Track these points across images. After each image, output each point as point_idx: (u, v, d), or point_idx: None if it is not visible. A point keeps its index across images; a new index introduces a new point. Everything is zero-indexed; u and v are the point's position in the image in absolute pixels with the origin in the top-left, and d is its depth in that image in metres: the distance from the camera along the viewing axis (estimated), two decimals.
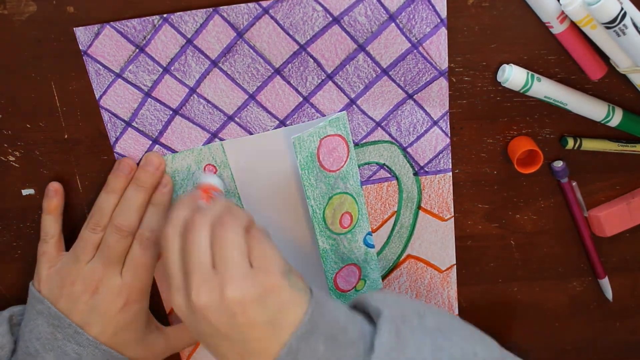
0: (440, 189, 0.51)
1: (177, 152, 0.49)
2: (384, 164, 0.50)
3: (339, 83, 0.47)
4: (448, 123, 0.49)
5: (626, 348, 0.59)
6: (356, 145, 0.49)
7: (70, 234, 0.52)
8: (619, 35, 0.41)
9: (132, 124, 0.47)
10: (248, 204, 0.50)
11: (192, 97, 0.47)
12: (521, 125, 0.49)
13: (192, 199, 0.43)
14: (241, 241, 0.40)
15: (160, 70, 0.45)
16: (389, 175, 0.51)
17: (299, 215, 0.51)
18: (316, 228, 0.49)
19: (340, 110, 0.48)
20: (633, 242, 0.54)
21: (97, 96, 0.46)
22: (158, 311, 0.56)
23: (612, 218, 0.51)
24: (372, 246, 0.52)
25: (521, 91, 0.45)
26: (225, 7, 0.43)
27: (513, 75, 0.45)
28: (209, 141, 0.48)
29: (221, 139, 0.48)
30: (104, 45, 0.44)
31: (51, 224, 0.48)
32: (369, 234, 0.52)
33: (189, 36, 0.44)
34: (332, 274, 0.51)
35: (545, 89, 0.45)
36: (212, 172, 0.48)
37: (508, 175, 0.51)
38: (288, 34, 0.45)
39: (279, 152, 0.49)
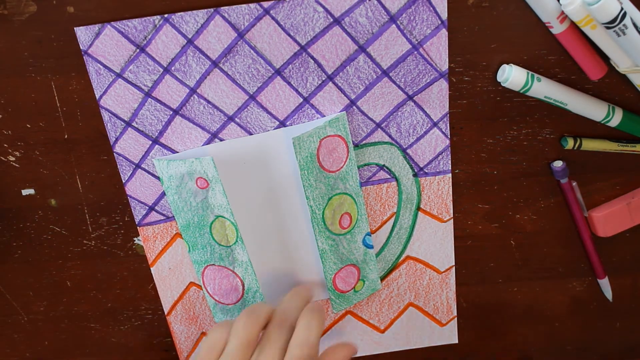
0: (439, 190, 0.51)
1: (176, 152, 0.49)
2: (384, 165, 0.50)
3: (340, 84, 0.47)
4: (448, 124, 0.49)
5: (626, 348, 0.59)
6: (356, 146, 0.49)
7: (70, 234, 0.52)
8: (619, 35, 0.41)
9: (132, 124, 0.47)
10: (246, 206, 0.50)
11: (192, 98, 0.47)
12: (521, 125, 0.49)
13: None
14: None
15: (161, 70, 0.45)
16: (389, 177, 0.51)
17: (298, 216, 0.51)
18: (315, 229, 0.49)
19: (341, 112, 0.48)
20: (633, 242, 0.54)
21: (97, 96, 0.46)
22: (157, 311, 0.56)
23: (612, 218, 0.51)
24: (371, 247, 0.52)
25: (521, 91, 0.46)
26: (226, 7, 0.43)
27: (513, 75, 0.45)
28: (209, 141, 0.48)
29: (221, 139, 0.48)
30: (104, 45, 0.44)
31: None
32: (368, 234, 0.52)
33: (189, 36, 0.44)
34: (331, 275, 0.51)
35: (545, 89, 0.45)
36: (204, 186, 0.48)
37: (508, 175, 0.51)
38: (289, 34, 0.45)
39: (277, 153, 0.49)
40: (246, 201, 0.50)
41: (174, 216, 0.51)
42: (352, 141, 0.49)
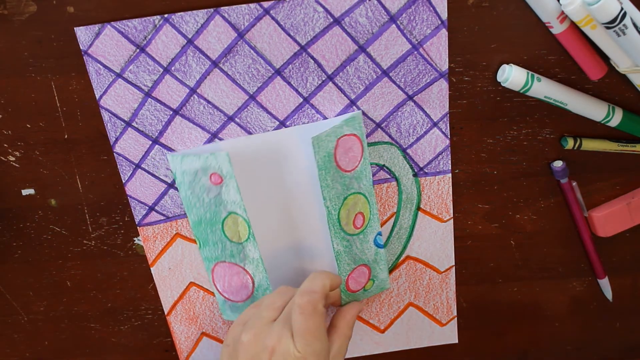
0: (439, 190, 0.51)
1: (187, 151, 0.49)
2: (384, 165, 0.50)
3: (340, 84, 0.47)
4: (448, 124, 0.49)
5: (626, 348, 0.59)
6: None
7: (69, 234, 0.52)
8: (619, 35, 0.41)
9: (132, 124, 0.47)
10: (258, 203, 0.50)
11: (192, 98, 0.47)
12: (521, 125, 0.49)
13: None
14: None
15: (161, 70, 0.45)
16: (389, 177, 0.51)
17: (311, 215, 0.51)
18: (331, 230, 0.48)
19: (340, 112, 0.48)
20: (633, 242, 0.54)
21: (97, 96, 0.46)
22: (157, 311, 0.56)
23: (612, 218, 0.51)
24: (382, 246, 0.52)
25: (521, 91, 0.46)
26: (226, 7, 0.43)
27: (513, 75, 0.45)
28: (208, 142, 0.48)
29: (221, 140, 0.48)
30: (104, 45, 0.44)
31: None
32: (379, 233, 0.52)
33: (189, 36, 0.44)
34: (344, 276, 0.51)
35: (545, 89, 0.45)
36: (218, 182, 0.48)
37: (508, 175, 0.51)
38: (289, 34, 0.45)
39: (292, 151, 0.49)
40: (259, 198, 0.50)
41: (185, 213, 0.51)
42: None
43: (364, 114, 0.48)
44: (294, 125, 0.48)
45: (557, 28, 0.43)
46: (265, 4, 0.43)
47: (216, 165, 0.47)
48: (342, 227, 0.49)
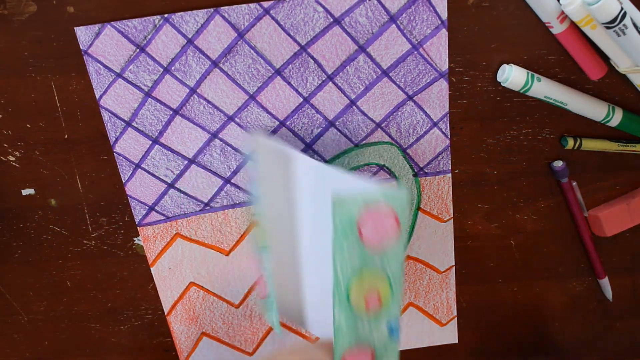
0: (439, 190, 0.51)
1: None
2: (384, 165, 0.50)
3: (340, 84, 0.47)
4: (448, 124, 0.49)
5: (626, 348, 0.59)
6: (355, 146, 0.49)
7: (69, 234, 0.52)
8: (619, 35, 0.41)
9: (132, 124, 0.47)
10: (279, 222, 0.47)
11: (192, 98, 0.47)
12: (521, 125, 0.49)
13: None
14: None
15: (161, 70, 0.45)
16: (389, 177, 0.51)
17: (325, 266, 0.44)
18: (335, 299, 0.41)
19: (340, 111, 0.48)
20: (633, 242, 0.54)
21: (97, 96, 0.46)
22: (157, 311, 0.56)
23: (612, 218, 0.51)
24: (397, 332, 0.43)
25: (521, 91, 0.46)
26: (226, 7, 0.43)
27: (513, 75, 0.45)
28: (209, 141, 0.48)
29: (221, 140, 0.48)
30: (104, 45, 0.44)
31: None
32: (396, 318, 0.43)
33: (189, 36, 0.44)
34: (341, 352, 0.42)
35: (545, 89, 0.45)
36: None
37: (508, 175, 0.51)
38: (289, 34, 0.45)
39: (318, 189, 0.44)
40: (282, 217, 0.46)
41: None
42: (353, 141, 0.49)
43: (363, 114, 0.48)
44: (294, 126, 0.48)
45: (557, 28, 0.44)
46: (265, 4, 0.43)
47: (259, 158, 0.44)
48: (349, 300, 0.41)
